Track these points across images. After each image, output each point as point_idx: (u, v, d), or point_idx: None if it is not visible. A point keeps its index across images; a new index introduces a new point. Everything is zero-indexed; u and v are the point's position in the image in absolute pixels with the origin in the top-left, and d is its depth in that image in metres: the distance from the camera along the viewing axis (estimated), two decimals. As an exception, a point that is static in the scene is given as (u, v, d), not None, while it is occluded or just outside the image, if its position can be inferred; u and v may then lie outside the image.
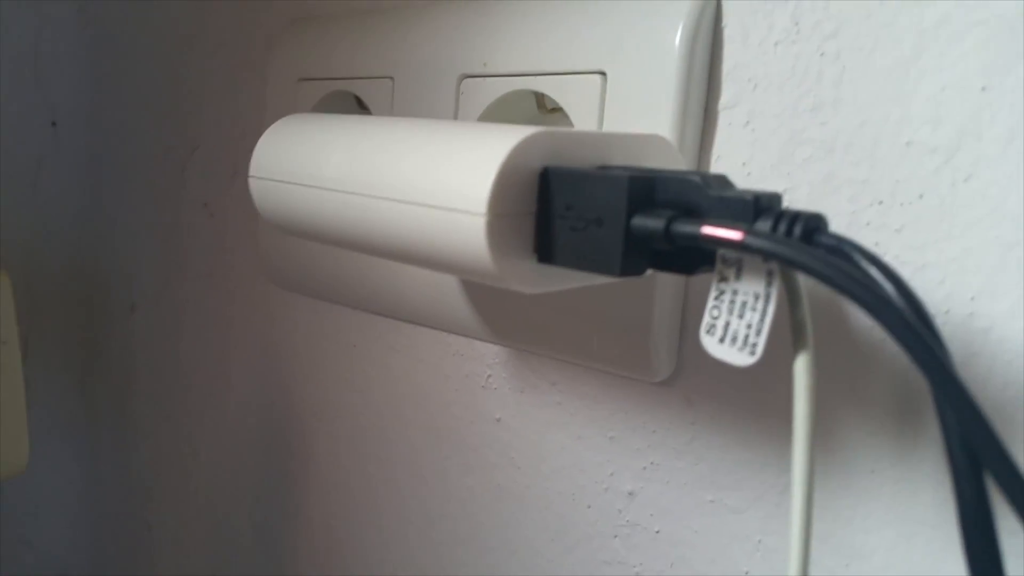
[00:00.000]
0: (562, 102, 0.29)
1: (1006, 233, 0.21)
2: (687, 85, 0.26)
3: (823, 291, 0.24)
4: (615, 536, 0.30)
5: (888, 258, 0.23)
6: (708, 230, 0.18)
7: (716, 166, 0.26)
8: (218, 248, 0.47)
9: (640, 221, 0.19)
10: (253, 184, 0.27)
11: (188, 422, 0.51)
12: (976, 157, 0.22)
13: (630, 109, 0.27)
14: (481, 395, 0.34)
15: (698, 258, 0.20)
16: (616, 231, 0.19)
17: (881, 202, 0.23)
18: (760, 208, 0.19)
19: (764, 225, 0.19)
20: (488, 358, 0.34)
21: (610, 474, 0.30)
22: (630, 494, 0.29)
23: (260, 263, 0.43)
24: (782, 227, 0.18)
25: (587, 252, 0.20)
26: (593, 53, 0.28)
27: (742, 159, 0.26)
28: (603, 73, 0.28)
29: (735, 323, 0.19)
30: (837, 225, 0.24)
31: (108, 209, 0.56)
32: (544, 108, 0.32)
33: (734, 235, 0.17)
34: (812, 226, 0.18)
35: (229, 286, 0.47)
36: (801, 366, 0.19)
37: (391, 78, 0.35)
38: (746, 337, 0.19)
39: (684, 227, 0.18)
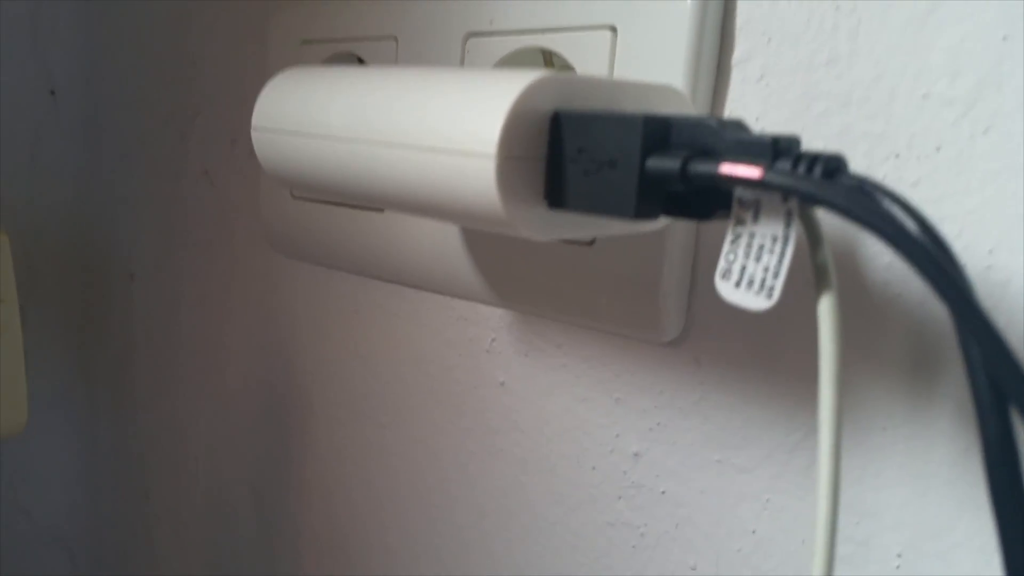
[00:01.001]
0: (571, 59, 0.29)
1: (1025, 184, 0.21)
2: (700, 40, 0.26)
3: (834, 246, 0.24)
4: (620, 497, 0.29)
5: (903, 212, 0.23)
6: (727, 168, 0.18)
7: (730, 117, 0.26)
8: (218, 216, 0.47)
9: (656, 162, 0.19)
10: (256, 136, 0.27)
11: (188, 390, 0.51)
12: (996, 108, 0.21)
13: (641, 65, 0.27)
14: (484, 359, 0.34)
15: (714, 202, 0.19)
16: (630, 172, 0.19)
17: (897, 155, 0.23)
18: (779, 150, 0.18)
19: (784, 165, 0.18)
20: (492, 322, 0.33)
21: (615, 436, 0.29)
22: (635, 455, 0.29)
23: (261, 230, 0.43)
24: (802, 167, 0.18)
25: (600, 195, 0.20)
26: (603, 7, 0.28)
27: (755, 114, 0.25)
28: (613, 28, 0.27)
29: (752, 267, 0.19)
30: (851, 179, 0.24)
31: (107, 177, 0.55)
32: (552, 67, 0.31)
33: (753, 172, 0.17)
34: (832, 166, 0.18)
35: (230, 254, 0.46)
36: (826, 307, 0.18)
37: (395, 38, 0.34)
38: (763, 280, 0.19)
39: (702, 166, 0.18)
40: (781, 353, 0.25)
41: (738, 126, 0.20)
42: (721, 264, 0.19)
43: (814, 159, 0.18)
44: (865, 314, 0.24)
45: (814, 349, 0.24)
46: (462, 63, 0.32)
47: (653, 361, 0.28)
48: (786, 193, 0.17)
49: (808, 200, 0.17)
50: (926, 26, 0.22)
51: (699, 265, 0.27)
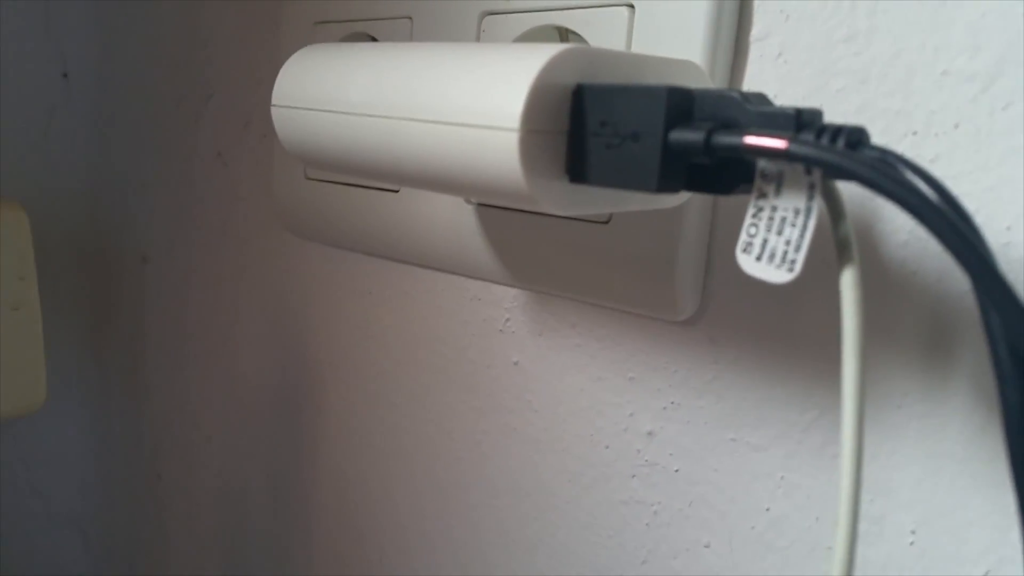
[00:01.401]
0: (588, 37, 0.29)
1: (1045, 161, 0.21)
2: (718, 17, 0.26)
3: (854, 220, 0.24)
4: (633, 476, 0.30)
5: (922, 189, 0.23)
6: (751, 140, 0.18)
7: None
8: (231, 198, 0.47)
9: (679, 134, 0.19)
10: (275, 113, 0.27)
11: (200, 372, 0.51)
12: (1017, 84, 0.21)
13: (658, 42, 0.27)
14: (498, 339, 0.34)
15: (736, 175, 0.19)
16: (653, 144, 0.19)
17: (916, 132, 0.23)
18: (802, 122, 0.18)
19: (807, 136, 0.18)
20: (506, 302, 0.34)
21: (629, 415, 0.30)
22: (649, 434, 0.29)
23: (274, 211, 0.43)
24: (825, 139, 0.18)
25: (622, 168, 0.20)
26: (621, -14, 0.28)
27: (773, 92, 0.25)
28: (631, 5, 0.27)
29: (773, 240, 0.19)
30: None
31: (120, 160, 0.55)
32: (567, 40, 0.31)
33: (778, 143, 0.17)
34: (855, 138, 0.18)
35: (242, 236, 0.46)
36: (848, 280, 0.18)
37: (409, 18, 0.34)
38: (784, 254, 0.19)
39: (726, 138, 0.18)
40: (796, 332, 0.25)
41: (761, 98, 0.20)
42: (743, 237, 0.19)
43: (837, 131, 0.18)
44: (882, 291, 0.24)
45: (829, 328, 0.25)
46: (478, 42, 0.32)
47: (668, 340, 0.29)
48: (811, 164, 0.17)
49: (833, 171, 0.17)
50: (946, 1, 0.22)
51: (715, 244, 0.27)
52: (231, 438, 0.49)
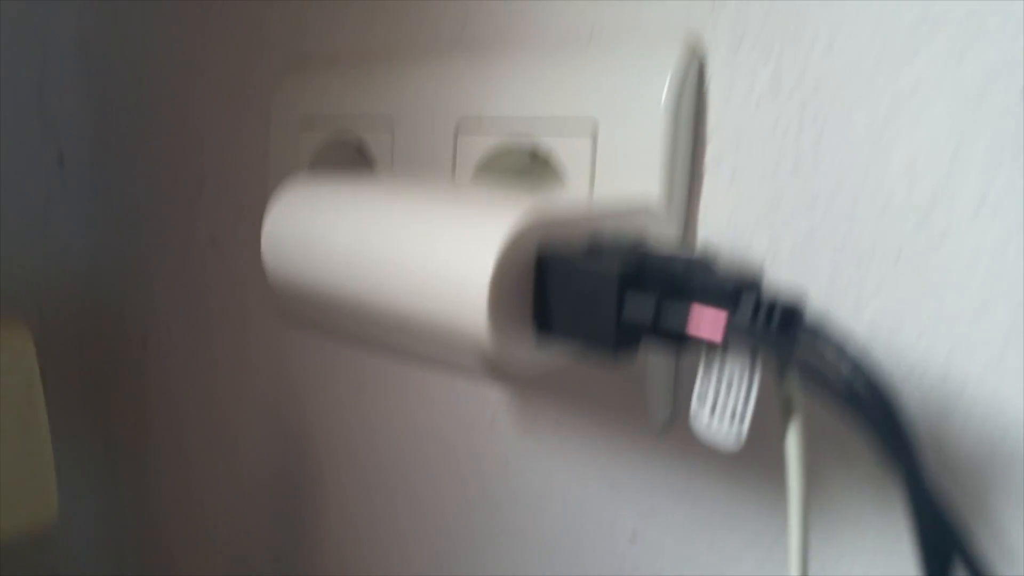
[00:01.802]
0: (555, 151, 0.30)
1: (977, 294, 0.22)
2: (674, 139, 0.27)
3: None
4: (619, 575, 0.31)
5: (867, 314, 0.24)
6: (693, 329, 0.19)
7: (703, 218, 0.27)
8: (228, 283, 0.48)
9: (631, 313, 0.20)
10: (266, 260, 0.29)
11: (202, 455, 0.52)
12: (950, 217, 0.22)
13: (620, 162, 0.28)
14: (486, 435, 0.35)
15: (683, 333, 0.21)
16: (608, 320, 0.20)
17: (861, 260, 0.24)
18: (741, 293, 0.20)
19: (746, 311, 0.20)
20: (492, 399, 0.35)
21: (613, 515, 0.31)
22: (632, 534, 0.30)
23: (270, 301, 0.44)
24: (762, 312, 0.19)
25: (583, 337, 0.21)
26: (583, 106, 0.29)
27: (727, 213, 0.27)
28: (594, 126, 0.28)
29: (722, 398, 0.20)
30: (820, 280, 0.25)
31: (118, 243, 0.57)
32: (536, 159, 0.32)
33: (715, 337, 0.19)
34: (789, 316, 0.19)
35: (239, 322, 0.48)
36: (792, 440, 0.20)
37: (391, 118, 0.36)
38: (733, 411, 0.20)
39: (671, 322, 0.19)
40: (762, 447, 0.27)
41: (706, 260, 0.21)
42: (694, 396, 0.21)
43: (772, 307, 0.19)
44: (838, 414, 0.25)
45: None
46: (455, 149, 0.33)
47: (645, 446, 0.30)
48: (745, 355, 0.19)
49: (766, 349, 0.18)
50: (884, 135, 0.23)
51: (682, 364, 0.28)
52: (237, 520, 0.51)
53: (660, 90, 0.27)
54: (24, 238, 0.57)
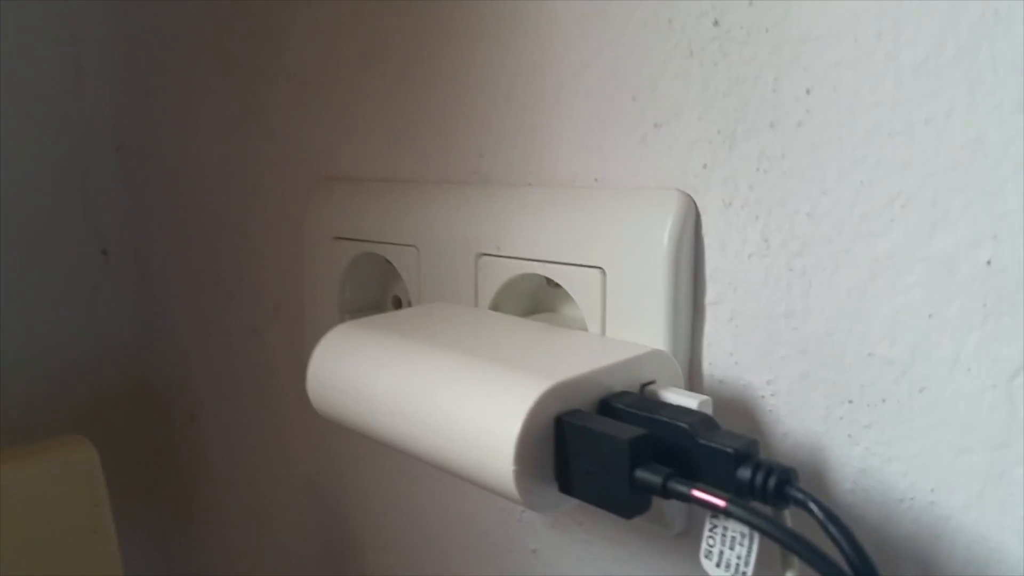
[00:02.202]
0: (568, 289, 0.33)
1: (957, 439, 0.25)
2: (676, 282, 0.30)
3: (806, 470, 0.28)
4: (645, 664, 0.34)
5: (859, 449, 0.27)
6: (698, 494, 0.22)
7: (707, 353, 0.30)
8: (267, 371, 0.52)
9: (642, 476, 0.23)
10: (311, 393, 0.32)
11: (245, 535, 0.56)
12: (928, 373, 0.25)
13: (628, 299, 0.31)
14: (516, 527, 0.38)
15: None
16: (622, 482, 0.23)
17: (851, 401, 0.27)
18: (740, 459, 0.23)
19: (744, 474, 0.22)
20: (521, 496, 0.38)
21: (636, 608, 0.34)
22: (655, 629, 0.33)
23: (308, 394, 0.47)
24: (759, 479, 0.22)
25: (600, 493, 0.24)
26: (592, 248, 0.32)
27: (729, 350, 0.30)
28: (602, 268, 0.31)
29: (727, 552, 0.23)
30: (815, 417, 0.28)
31: (162, 329, 0.61)
32: (552, 283, 0.35)
33: (719, 503, 0.21)
34: (784, 479, 0.22)
35: (279, 404, 0.51)
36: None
37: (416, 248, 0.39)
38: (737, 566, 0.23)
39: (678, 488, 0.22)
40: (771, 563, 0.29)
41: (708, 424, 0.24)
42: (703, 546, 0.23)
43: (768, 472, 0.22)
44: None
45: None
46: (475, 277, 0.36)
47: (664, 548, 0.33)
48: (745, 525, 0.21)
49: (761, 533, 0.21)
50: (866, 295, 0.26)
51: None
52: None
53: (662, 235, 0.30)
54: (73, 325, 0.61)
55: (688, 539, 0.32)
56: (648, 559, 0.33)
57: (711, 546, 0.23)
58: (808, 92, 0.26)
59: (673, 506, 0.31)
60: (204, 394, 0.58)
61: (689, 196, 0.29)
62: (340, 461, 0.48)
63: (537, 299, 0.37)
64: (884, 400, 0.26)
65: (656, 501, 0.31)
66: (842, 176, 0.26)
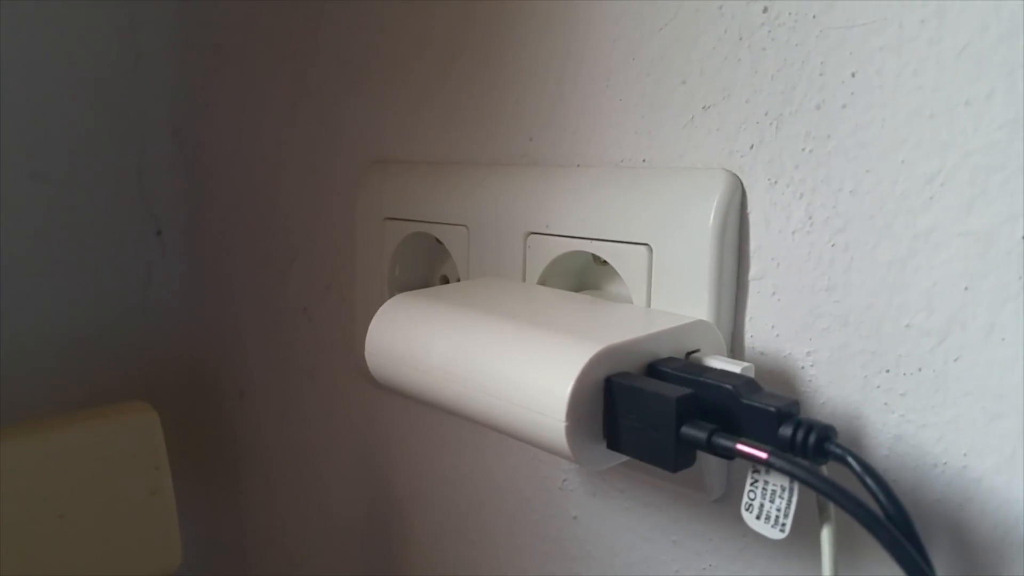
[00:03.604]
0: (615, 265, 0.34)
1: (990, 405, 0.26)
2: (720, 258, 0.31)
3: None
4: (682, 624, 0.35)
5: (895, 416, 0.28)
6: (741, 447, 0.23)
7: (749, 327, 0.32)
8: (317, 349, 0.54)
9: (687, 432, 0.24)
10: (369, 359, 0.34)
11: (294, 503, 0.58)
12: (963, 343, 0.26)
13: (673, 275, 0.32)
14: (558, 495, 0.40)
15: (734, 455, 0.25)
16: (668, 438, 0.25)
17: (888, 371, 0.28)
18: (782, 418, 0.24)
19: (786, 431, 0.24)
20: (564, 464, 0.40)
21: (675, 571, 0.35)
22: (692, 591, 0.35)
23: (357, 366, 0.50)
24: (799, 435, 0.24)
25: (647, 448, 0.25)
26: (639, 226, 0.33)
27: (771, 323, 0.31)
28: (648, 245, 0.33)
29: (767, 505, 0.24)
30: (853, 386, 0.29)
31: (214, 307, 0.63)
32: (599, 260, 0.37)
33: (761, 455, 0.23)
34: (823, 436, 0.23)
35: (329, 383, 0.53)
36: (826, 536, 0.24)
37: (465, 226, 0.41)
38: (776, 517, 0.24)
39: (722, 442, 0.24)
40: (807, 522, 0.31)
41: (752, 386, 0.26)
42: (744, 499, 0.25)
43: (809, 429, 0.24)
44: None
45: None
46: (524, 255, 0.38)
47: (703, 513, 0.34)
48: (785, 475, 0.23)
49: (801, 483, 0.22)
50: (905, 269, 0.27)
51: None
52: (324, 563, 0.56)
53: (708, 213, 0.31)
54: (128, 300, 0.63)
55: (726, 504, 0.33)
56: (687, 524, 0.35)
57: (752, 499, 0.25)
58: (853, 75, 0.28)
59: (712, 471, 0.33)
60: (254, 371, 0.61)
61: (735, 175, 0.31)
62: (387, 433, 0.49)
63: (583, 277, 0.38)
64: (920, 369, 0.27)
65: (697, 467, 0.32)
66: (884, 156, 0.27)
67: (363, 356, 0.48)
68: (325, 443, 0.55)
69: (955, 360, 0.27)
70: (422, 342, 0.31)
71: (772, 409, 0.24)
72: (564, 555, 0.40)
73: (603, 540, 0.38)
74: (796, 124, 0.29)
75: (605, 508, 0.38)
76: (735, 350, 0.32)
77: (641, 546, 0.37)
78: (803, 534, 0.31)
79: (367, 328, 0.34)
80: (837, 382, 0.29)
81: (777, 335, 0.31)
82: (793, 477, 0.22)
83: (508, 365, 0.28)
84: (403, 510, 0.49)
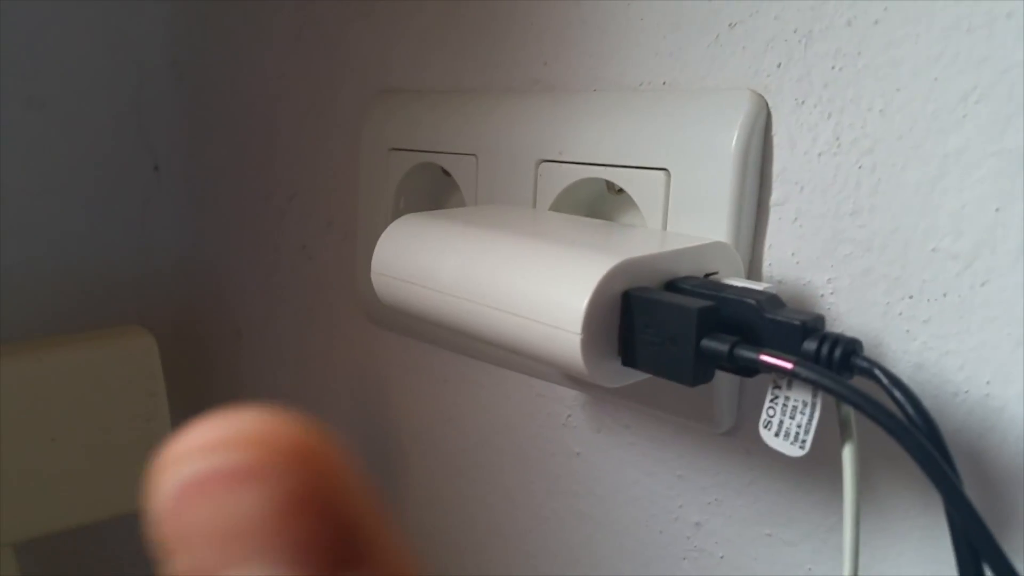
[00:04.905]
0: (630, 191, 0.33)
1: (1016, 332, 0.25)
2: (742, 183, 0.30)
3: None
4: (684, 559, 0.35)
5: (916, 344, 0.27)
6: (765, 358, 0.23)
7: (768, 255, 0.31)
8: (316, 287, 0.53)
9: (708, 344, 0.24)
10: (375, 279, 0.33)
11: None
12: (991, 266, 0.26)
13: (691, 201, 0.31)
14: (562, 431, 0.39)
15: (757, 368, 0.24)
16: (687, 351, 0.24)
17: (911, 296, 0.27)
18: (807, 332, 0.23)
19: (810, 345, 0.23)
20: (568, 400, 0.39)
21: (679, 506, 0.35)
22: (697, 524, 0.34)
23: (358, 304, 0.49)
24: (825, 349, 0.23)
25: (664, 363, 0.25)
26: (657, 150, 0.32)
27: (791, 250, 0.30)
28: (667, 170, 0.32)
29: (787, 422, 0.24)
30: (874, 313, 0.28)
31: (211, 245, 0.62)
32: (612, 189, 0.36)
33: (786, 365, 0.22)
34: (849, 349, 0.23)
35: (327, 321, 0.53)
36: (848, 455, 0.23)
37: (475, 156, 0.40)
38: (796, 434, 0.24)
39: (745, 353, 0.23)
40: (821, 450, 0.30)
41: (775, 302, 0.25)
42: (763, 416, 0.24)
43: (835, 342, 0.23)
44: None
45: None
46: (535, 185, 0.37)
47: (710, 447, 0.34)
48: (811, 385, 0.22)
49: (827, 392, 0.22)
50: (934, 191, 0.27)
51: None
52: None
53: (731, 135, 0.30)
54: (124, 236, 0.62)
55: (734, 438, 0.33)
56: (693, 459, 0.34)
57: (771, 416, 0.24)
58: (888, -12, 0.27)
59: (723, 400, 0.32)
60: (252, 310, 0.60)
61: (760, 96, 0.30)
62: (386, 371, 0.49)
63: (595, 208, 0.37)
64: (945, 294, 0.27)
65: (708, 396, 0.32)
66: (917, 73, 0.26)
67: (364, 294, 0.47)
68: (324, 382, 0.54)
69: (982, 285, 0.26)
70: (432, 259, 0.31)
71: (797, 323, 0.23)
72: (565, 492, 0.40)
73: (606, 476, 0.38)
74: (826, 41, 0.28)
75: (609, 444, 0.37)
76: (752, 278, 0.31)
77: (644, 481, 0.36)
78: (815, 465, 0.30)
79: (369, 263, 0.33)
80: (857, 309, 0.29)
81: (797, 262, 0.30)
82: (818, 386, 0.22)
83: (522, 279, 0.27)
84: (403, 448, 0.48)
